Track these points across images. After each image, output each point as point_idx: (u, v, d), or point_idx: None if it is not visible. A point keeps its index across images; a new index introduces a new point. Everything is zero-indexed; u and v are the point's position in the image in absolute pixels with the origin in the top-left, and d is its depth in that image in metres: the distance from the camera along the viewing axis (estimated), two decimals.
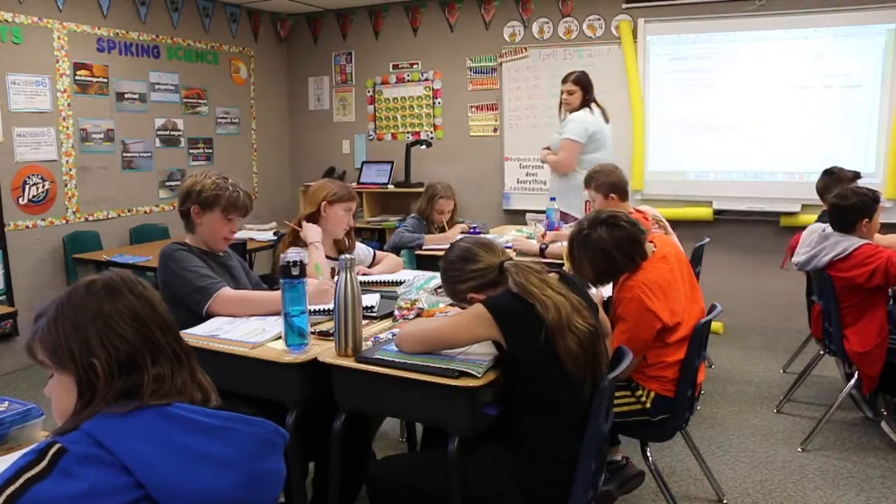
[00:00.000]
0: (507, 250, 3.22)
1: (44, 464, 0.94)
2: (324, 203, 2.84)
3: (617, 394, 2.28)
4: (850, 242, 3.00)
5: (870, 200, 3.03)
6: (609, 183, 3.32)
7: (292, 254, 1.95)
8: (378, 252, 3.17)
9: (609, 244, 2.28)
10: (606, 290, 2.71)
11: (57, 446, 0.96)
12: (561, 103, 4.45)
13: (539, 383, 1.75)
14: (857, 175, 3.71)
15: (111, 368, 1.04)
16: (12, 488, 0.91)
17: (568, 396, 1.75)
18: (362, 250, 3.09)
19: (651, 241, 2.41)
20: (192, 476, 0.99)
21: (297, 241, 2.83)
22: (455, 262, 1.93)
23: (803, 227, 3.53)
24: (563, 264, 3.03)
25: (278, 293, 1.95)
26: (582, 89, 4.34)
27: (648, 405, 2.34)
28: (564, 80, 4.40)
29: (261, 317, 2.24)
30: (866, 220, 3.01)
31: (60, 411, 1.08)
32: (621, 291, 2.34)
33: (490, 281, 1.87)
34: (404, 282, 2.59)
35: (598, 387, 1.76)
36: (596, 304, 1.95)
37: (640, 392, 2.36)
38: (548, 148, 4.48)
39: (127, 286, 1.11)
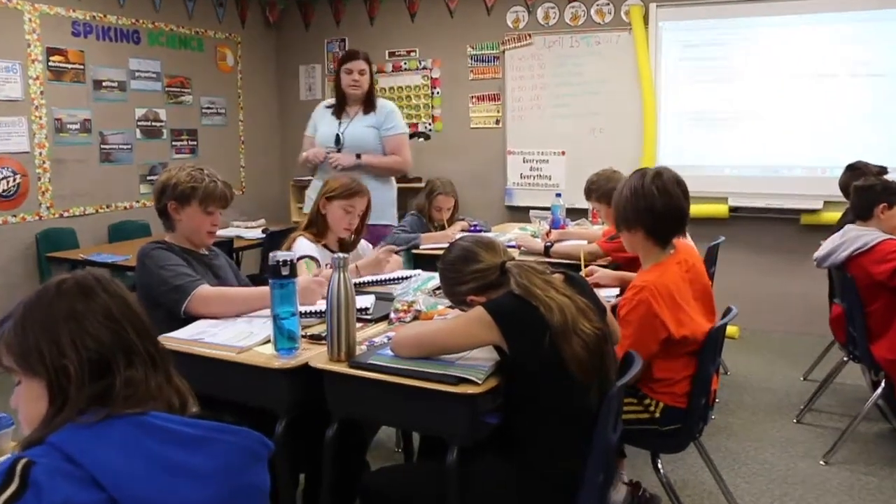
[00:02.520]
0: (511, 249, 3.26)
1: (16, 482, 0.92)
2: (322, 199, 2.84)
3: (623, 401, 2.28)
4: (871, 236, 3.05)
5: (894, 188, 3.11)
6: (610, 189, 3.31)
7: (281, 252, 1.96)
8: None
9: (657, 202, 2.25)
10: (613, 293, 2.72)
11: (23, 461, 0.95)
12: (339, 87, 3.79)
13: (543, 390, 1.75)
14: (882, 170, 3.72)
15: (83, 371, 1.03)
16: None
17: (573, 404, 1.75)
18: (360, 246, 3.09)
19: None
20: (169, 490, 0.98)
21: (320, 235, 2.82)
22: (454, 263, 1.93)
23: (825, 226, 3.55)
24: (568, 264, 3.04)
25: (260, 288, 1.95)
26: (370, 71, 3.82)
27: (657, 415, 2.33)
28: (352, 58, 3.76)
29: (247, 319, 2.24)
30: (885, 205, 3.09)
31: (29, 420, 1.07)
32: (629, 291, 2.32)
33: (491, 282, 1.87)
34: (402, 281, 2.60)
35: (605, 394, 1.76)
36: (604, 306, 1.95)
37: (647, 401, 2.35)
38: (328, 148, 3.75)
39: (101, 285, 1.11)
